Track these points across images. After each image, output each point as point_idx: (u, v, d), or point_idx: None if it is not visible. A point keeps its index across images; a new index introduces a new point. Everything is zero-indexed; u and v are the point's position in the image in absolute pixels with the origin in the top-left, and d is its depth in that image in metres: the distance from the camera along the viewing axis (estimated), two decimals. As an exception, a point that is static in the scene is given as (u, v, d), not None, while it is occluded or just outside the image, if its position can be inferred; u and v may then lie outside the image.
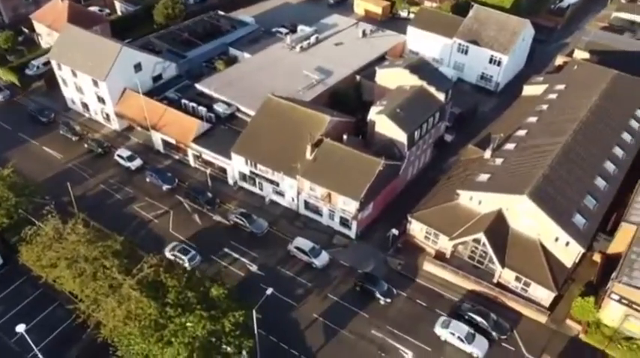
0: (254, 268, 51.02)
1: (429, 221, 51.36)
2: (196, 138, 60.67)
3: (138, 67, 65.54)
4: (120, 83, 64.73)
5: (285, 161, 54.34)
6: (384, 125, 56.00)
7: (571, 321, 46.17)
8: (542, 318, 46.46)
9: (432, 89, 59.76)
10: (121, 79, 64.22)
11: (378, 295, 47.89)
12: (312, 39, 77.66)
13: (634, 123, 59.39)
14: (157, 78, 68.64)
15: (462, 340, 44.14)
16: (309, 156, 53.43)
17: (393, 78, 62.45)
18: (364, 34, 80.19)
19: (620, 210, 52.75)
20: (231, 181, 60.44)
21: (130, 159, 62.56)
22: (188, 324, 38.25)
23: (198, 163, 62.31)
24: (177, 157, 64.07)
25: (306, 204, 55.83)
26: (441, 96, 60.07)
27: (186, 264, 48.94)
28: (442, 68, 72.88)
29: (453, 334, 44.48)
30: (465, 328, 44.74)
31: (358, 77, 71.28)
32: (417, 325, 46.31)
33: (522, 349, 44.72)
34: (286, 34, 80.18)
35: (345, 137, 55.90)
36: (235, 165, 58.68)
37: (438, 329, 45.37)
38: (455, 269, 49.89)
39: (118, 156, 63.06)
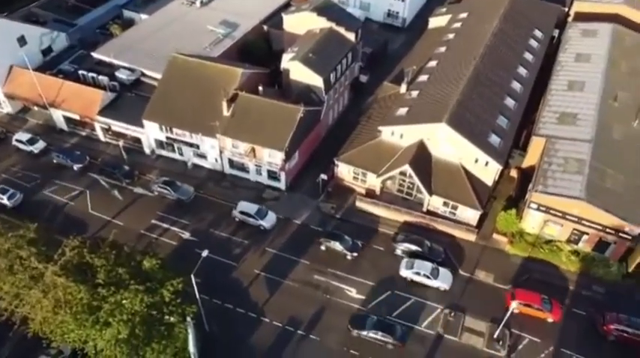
0: (186, 235, 49.38)
1: (356, 161, 51.76)
2: (102, 110, 56.57)
3: (22, 41, 59.34)
4: (4, 60, 58.38)
5: (202, 121, 52.08)
6: (299, 71, 54.84)
7: (497, 235, 48.99)
8: (472, 237, 48.96)
9: (341, 30, 59.04)
10: (3, 55, 57.88)
11: (345, 251, 47.28)
12: (212, -8, 73.64)
13: (533, 43, 62.23)
14: (46, 51, 62.70)
15: (427, 277, 45.01)
16: (226, 112, 51.51)
17: (302, 23, 60.94)
18: (265, -19, 76.99)
19: (529, 126, 55.87)
20: (147, 150, 57.32)
21: (32, 142, 57.40)
22: (124, 301, 36.44)
23: (109, 136, 58.34)
24: (84, 133, 59.62)
25: (231, 163, 54.28)
26: (351, 37, 59.54)
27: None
28: (349, 9, 71.97)
29: (419, 273, 45.32)
30: (429, 265, 45.62)
31: (266, 27, 68.93)
32: (357, 263, 47.20)
33: (457, 267, 47.02)
34: (184, -11, 75.41)
35: (260, 89, 54.31)
36: (149, 133, 55.54)
37: (404, 271, 45.85)
38: (386, 205, 51.00)
39: (17, 140, 57.65)
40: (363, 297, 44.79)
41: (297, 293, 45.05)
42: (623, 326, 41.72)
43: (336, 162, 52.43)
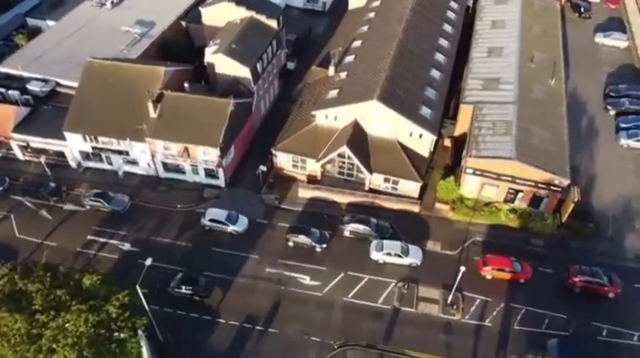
0: (127, 246, 47.11)
1: (293, 149, 51.26)
2: (17, 127, 52.84)
3: None
4: None
5: (129, 126, 49.63)
6: (224, 64, 53.43)
7: (439, 204, 50.14)
8: (415, 208, 49.88)
9: (262, 18, 58.02)
10: None
11: (313, 244, 46.40)
12: (122, -9, 70.17)
13: (450, 14, 63.87)
14: (-56, 70, 57.55)
15: (399, 255, 45.18)
16: (153, 114, 49.36)
17: (221, 14, 59.37)
18: (178, -25, 74.26)
19: (456, 95, 57.43)
20: (73, 164, 54.06)
21: (-60, 170, 52.74)
22: (67, 325, 34.26)
23: (29, 154, 54.45)
24: (0, 154, 55.41)
25: (165, 166, 52.22)
26: (273, 24, 58.64)
27: None
28: (268, -3, 70.99)
29: (390, 253, 45.41)
30: (398, 244, 45.86)
31: (184, 22, 66.57)
32: (310, 251, 46.84)
33: (405, 240, 47.76)
34: (91, -10, 71.42)
35: (186, 86, 52.53)
36: (73, 145, 52.37)
37: (375, 255, 45.80)
38: (329, 188, 50.95)
39: None
40: (318, 283, 44.61)
41: (251, 289, 44.20)
42: (586, 277, 43.75)
43: (273, 152, 51.70)
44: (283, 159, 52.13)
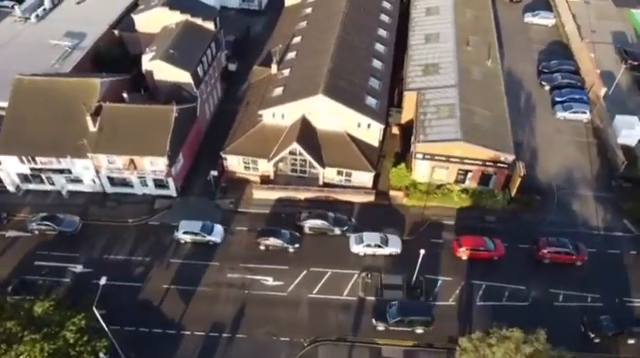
0: (79, 268, 45.05)
1: (243, 151, 50.58)
2: (-56, 155, 49.38)
3: None
4: None
5: (68, 143, 47.45)
6: (163, 70, 51.98)
7: (394, 191, 50.78)
8: (371, 198, 50.28)
9: (198, 21, 56.86)
10: None
11: (285, 245, 45.77)
12: (47, 3, 66.88)
13: (386, 4, 64.77)
14: None
15: (379, 246, 45.37)
16: (92, 128, 47.41)
17: (155, 20, 57.73)
18: (106, -17, 71.69)
19: (399, 83, 58.31)
20: (11, 188, 51.17)
21: None
22: (21, 357, 32.50)
23: (-39, 182, 51.24)
24: None
25: (112, 181, 50.27)
26: (210, 26, 57.55)
27: None
28: (202, 0, 69.60)
29: (370, 245, 45.45)
30: (377, 234, 45.97)
31: (117, 31, 64.28)
32: (282, 253, 46.24)
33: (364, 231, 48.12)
34: (13, 5, 67.78)
35: (125, 96, 50.77)
36: (9, 168, 49.55)
37: (355, 248, 45.76)
38: (284, 187, 50.61)
39: None
40: (282, 283, 44.22)
41: (214, 297, 43.26)
42: (554, 248, 45.30)
43: (223, 155, 50.81)
44: (234, 162, 51.33)
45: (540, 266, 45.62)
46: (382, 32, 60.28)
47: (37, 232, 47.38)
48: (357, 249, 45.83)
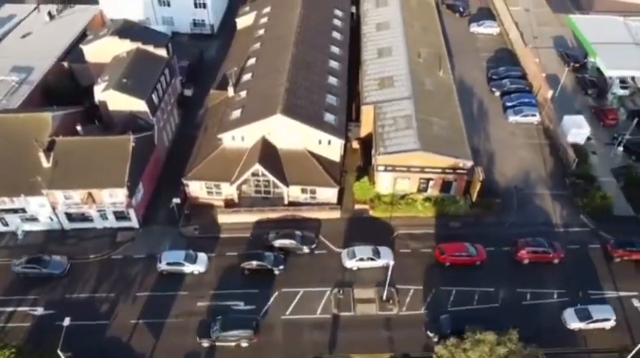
0: (39, 311, 43.12)
1: (205, 176, 50.00)
2: None
3: None
4: None
5: (20, 180, 45.75)
6: (117, 100, 51.06)
7: (359, 205, 51.14)
8: (337, 214, 50.45)
9: (150, 48, 56.29)
10: None
11: (270, 267, 45.16)
12: (-10, 39, 65.05)
13: (337, 22, 65.86)
14: None
15: (372, 258, 45.45)
16: (46, 163, 45.96)
17: (105, 50, 56.76)
18: (51, 15, 70.29)
19: (356, 97, 59.17)
20: (-38, 232, 48.86)
21: None
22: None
23: None
24: None
25: (70, 216, 48.63)
26: (162, 53, 57.03)
27: None
28: (152, 27, 69.18)
29: (363, 258, 45.44)
30: (369, 247, 46.04)
31: (66, 63, 62.91)
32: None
33: (331, 247, 48.16)
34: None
35: (79, 128, 49.57)
36: (-42, 212, 47.36)
37: (348, 263, 45.69)
38: (249, 209, 50.20)
39: None
40: (253, 306, 43.58)
41: (185, 328, 42.14)
42: (532, 248, 46.41)
43: (184, 182, 50.08)
44: (196, 188, 50.64)
45: (518, 266, 46.57)
46: (335, 49, 61.20)
47: (22, 276, 45.20)
48: (350, 263, 45.90)
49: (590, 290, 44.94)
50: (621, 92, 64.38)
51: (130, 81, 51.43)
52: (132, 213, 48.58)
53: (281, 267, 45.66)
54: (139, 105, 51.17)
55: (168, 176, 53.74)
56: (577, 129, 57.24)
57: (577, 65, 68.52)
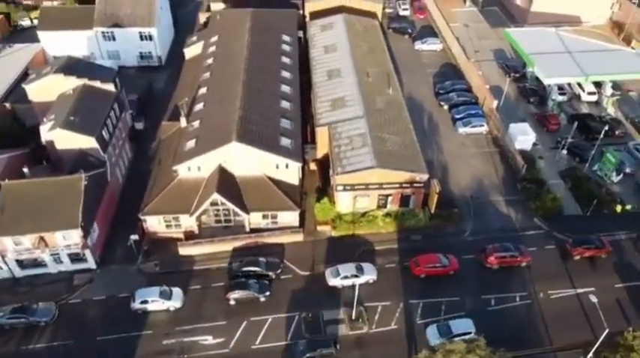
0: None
1: (162, 209, 48.98)
2: None
3: None
4: None
5: (-35, 230, 43.54)
6: (65, 139, 49.64)
7: (321, 226, 51.24)
8: (299, 237, 50.34)
9: (97, 84, 55.23)
10: None
11: (256, 295, 44.68)
12: None
13: (285, 47, 66.64)
14: None
15: (355, 276, 45.61)
16: (-8, 210, 43.91)
17: (49, 88, 55.25)
18: (-10, 56, 68.18)
19: (310, 120, 59.76)
20: None
21: None
22: None
23: None
24: None
25: (21, 263, 46.43)
26: (110, 88, 56.06)
27: None
28: (98, 62, 68.12)
29: (347, 276, 45.51)
30: (352, 265, 46.30)
31: (8, 104, 60.80)
32: (212, 307, 44.77)
33: (297, 271, 47.90)
34: None
35: (26, 171, 47.78)
36: None
37: (332, 281, 45.66)
38: (210, 240, 49.38)
39: None
40: (222, 340, 42.58)
41: (151, 368, 40.76)
42: (500, 253, 47.54)
43: (141, 217, 48.87)
44: (154, 223, 49.48)
45: (487, 272, 47.60)
46: (286, 74, 61.79)
47: (7, 327, 42.80)
48: (334, 282, 45.81)
49: (550, 291, 46.42)
50: (560, 98, 67.92)
51: (77, 118, 50.17)
52: (88, 253, 46.88)
53: (267, 293, 45.25)
54: (88, 142, 49.88)
55: (124, 212, 52.32)
56: (523, 136, 59.70)
57: (517, 75, 71.83)
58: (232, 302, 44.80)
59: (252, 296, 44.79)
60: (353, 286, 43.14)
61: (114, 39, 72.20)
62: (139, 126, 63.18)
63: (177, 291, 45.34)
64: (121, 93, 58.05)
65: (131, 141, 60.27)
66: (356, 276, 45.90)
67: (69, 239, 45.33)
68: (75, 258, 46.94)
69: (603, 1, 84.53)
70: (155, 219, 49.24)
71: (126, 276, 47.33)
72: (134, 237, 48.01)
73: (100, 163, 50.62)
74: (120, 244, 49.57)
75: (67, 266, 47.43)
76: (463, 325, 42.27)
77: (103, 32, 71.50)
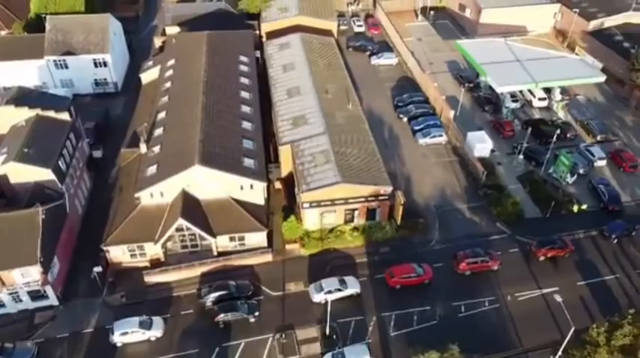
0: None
1: (126, 238, 47.81)
2: None
3: None
4: None
5: None
6: (20, 172, 48.02)
7: (289, 245, 51.04)
8: (268, 257, 49.98)
9: (51, 113, 53.74)
10: None
11: (245, 316, 44.35)
12: None
13: (243, 67, 66.72)
14: None
15: (339, 289, 45.73)
16: (-57, 251, 41.83)
17: (1, 120, 53.36)
18: None
19: (272, 139, 59.82)
20: None
21: None
22: None
23: None
24: None
25: (-23, 305, 44.38)
26: (64, 117, 54.63)
27: None
28: (51, 91, 66.44)
29: (331, 290, 45.42)
30: (335, 279, 46.40)
31: (-44, 139, 58.29)
32: (189, 335, 43.73)
33: (268, 291, 47.46)
34: None
35: (-22, 208, 45.72)
36: None
37: (316, 297, 45.55)
38: (177, 266, 48.42)
39: None
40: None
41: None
42: (471, 259, 48.32)
43: (104, 248, 47.53)
44: (118, 253, 48.20)
45: (458, 279, 48.38)
46: (245, 94, 61.78)
47: None
48: (318, 297, 45.59)
49: (517, 293, 47.54)
50: (513, 105, 70.41)
51: (32, 150, 48.66)
52: (49, 290, 45.13)
53: (256, 314, 44.82)
54: (45, 174, 48.36)
55: (85, 244, 50.77)
56: (481, 144, 61.43)
57: (471, 85, 74.09)
58: (222, 325, 44.18)
59: (242, 317, 44.39)
60: (326, 303, 42.98)
61: (66, 67, 70.58)
62: (97, 154, 61.71)
63: (157, 320, 44.25)
64: (76, 122, 56.65)
65: (89, 170, 58.75)
66: (339, 290, 45.97)
67: (28, 276, 43.58)
68: (35, 295, 45.09)
69: (546, 10, 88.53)
70: (119, 249, 47.97)
71: (91, 310, 45.78)
72: (97, 269, 46.60)
73: (58, 195, 49.07)
74: (83, 277, 48.02)
75: (28, 304, 45.49)
76: (358, 351, 41.69)
77: (55, 61, 69.81)
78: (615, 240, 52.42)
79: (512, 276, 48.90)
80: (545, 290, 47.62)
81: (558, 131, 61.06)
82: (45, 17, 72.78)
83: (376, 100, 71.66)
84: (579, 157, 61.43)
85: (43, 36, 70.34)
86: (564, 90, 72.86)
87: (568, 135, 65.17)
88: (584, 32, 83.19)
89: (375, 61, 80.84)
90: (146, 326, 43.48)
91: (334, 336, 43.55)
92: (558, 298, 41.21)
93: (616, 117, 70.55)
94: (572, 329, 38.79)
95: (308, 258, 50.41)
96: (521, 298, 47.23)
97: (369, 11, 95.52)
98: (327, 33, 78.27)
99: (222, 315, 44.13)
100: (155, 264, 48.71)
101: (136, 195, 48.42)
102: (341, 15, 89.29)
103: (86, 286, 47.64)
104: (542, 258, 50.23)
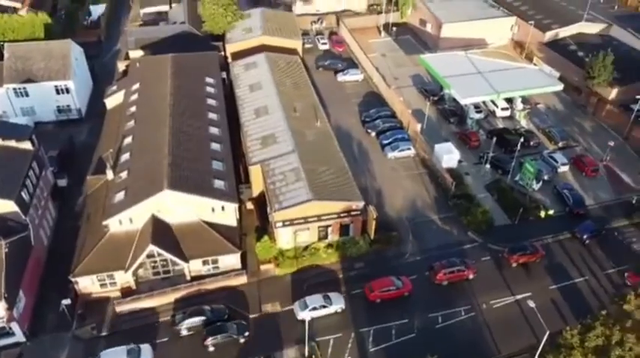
0: None
1: (95, 268, 46.50)
2: None
3: None
4: None
5: None
6: (-21, 205, 46.25)
7: (264, 265, 50.54)
8: (243, 279, 49.31)
9: (11, 143, 52.13)
10: None
11: (235, 337, 43.80)
12: None
13: (210, 89, 66.44)
14: None
15: (324, 306, 45.75)
16: None
17: (-43, 153, 51.54)
18: None
19: (242, 159, 59.51)
20: None
21: None
22: None
23: None
24: None
25: (-63, 347, 42.26)
26: (26, 146, 53.09)
27: None
28: (12, 120, 64.72)
29: (315, 308, 45.40)
30: (319, 296, 46.37)
31: None
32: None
33: (245, 314, 46.68)
34: None
35: (-64, 245, 43.73)
36: None
37: (301, 314, 45.11)
38: (149, 294, 47.29)
39: None
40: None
41: None
42: (448, 269, 48.76)
43: (72, 279, 46.07)
44: (87, 283, 46.80)
45: (435, 290, 48.66)
46: (213, 115, 61.42)
47: None
48: (302, 315, 44.84)
49: (492, 300, 48.15)
50: (477, 116, 72.09)
51: (-10, 182, 47.10)
52: (15, 326, 43.35)
53: (246, 334, 44.17)
54: (7, 206, 46.73)
55: (52, 276, 49.13)
56: (448, 155, 62.52)
57: (436, 98, 75.51)
58: (211, 349, 43.39)
59: (232, 338, 43.79)
60: (303, 322, 42.54)
61: (27, 95, 68.88)
62: (62, 182, 60.10)
63: (146, 348, 43.08)
64: (39, 151, 55.19)
65: (55, 199, 57.14)
66: (324, 307, 45.86)
67: (-9, 313, 41.87)
68: (1, 332, 43.24)
69: (503, 23, 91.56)
70: (88, 280, 46.59)
71: (60, 345, 44.18)
72: (66, 301, 45.11)
73: (22, 227, 47.44)
74: (51, 310, 46.37)
75: (-8, 343, 43.65)
76: None
77: (14, 89, 68.05)
78: (587, 241, 53.92)
79: (487, 284, 49.55)
80: (518, 296, 48.40)
81: (522, 139, 62.69)
82: (2, 45, 71.16)
83: (344, 116, 72.30)
84: (543, 164, 63.20)
85: (1, 64, 68.70)
86: (525, 100, 75.11)
87: (531, 143, 67.03)
88: (541, 43, 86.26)
89: (341, 77, 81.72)
90: (134, 355, 42.18)
91: (313, 356, 43.06)
92: (531, 303, 41.89)
93: (575, 124, 73.03)
94: (547, 333, 39.44)
95: (283, 278, 49.96)
96: (496, 305, 47.85)
97: (333, 29, 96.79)
98: (292, 52, 78.82)
99: (210, 339, 43.36)
100: (126, 293, 47.44)
101: (104, 222, 47.27)
102: (305, 33, 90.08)
103: (55, 319, 45.98)
104: (515, 264, 51.10)
